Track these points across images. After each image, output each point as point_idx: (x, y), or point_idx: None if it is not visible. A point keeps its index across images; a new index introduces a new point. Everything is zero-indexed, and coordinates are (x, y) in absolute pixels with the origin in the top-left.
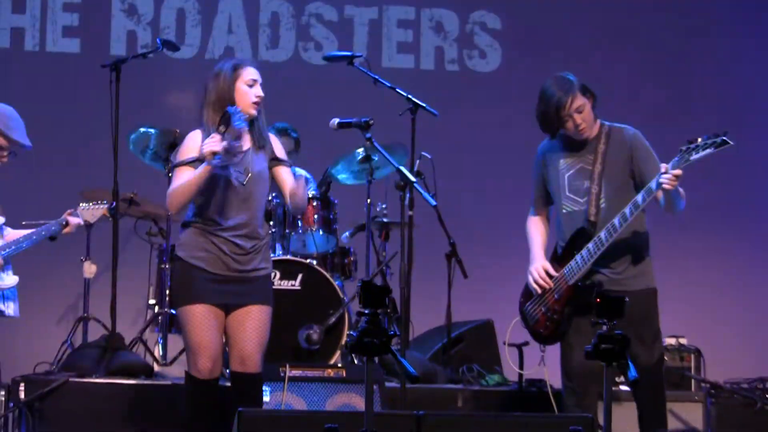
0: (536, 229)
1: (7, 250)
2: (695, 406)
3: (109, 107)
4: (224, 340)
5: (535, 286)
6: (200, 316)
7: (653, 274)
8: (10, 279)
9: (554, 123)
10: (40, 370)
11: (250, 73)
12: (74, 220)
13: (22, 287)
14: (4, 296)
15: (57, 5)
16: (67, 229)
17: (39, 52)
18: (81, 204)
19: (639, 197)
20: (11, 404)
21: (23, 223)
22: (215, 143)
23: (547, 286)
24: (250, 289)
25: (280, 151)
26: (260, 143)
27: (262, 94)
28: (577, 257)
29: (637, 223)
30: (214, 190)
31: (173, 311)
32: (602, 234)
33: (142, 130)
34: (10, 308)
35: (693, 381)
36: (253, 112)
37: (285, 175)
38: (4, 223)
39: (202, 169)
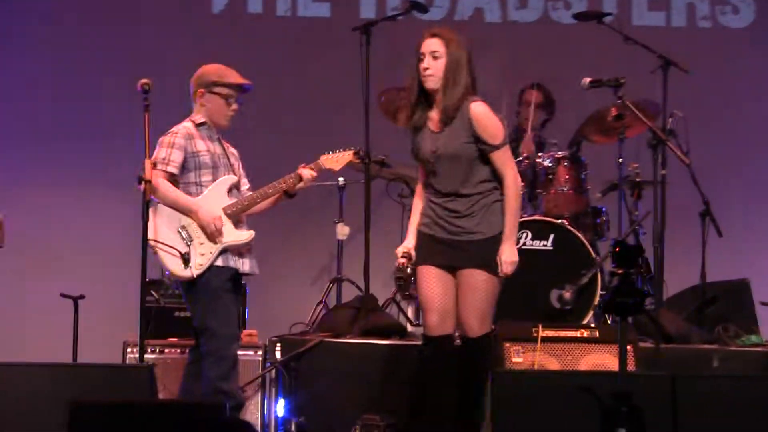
0: None
1: (237, 207)
2: None
3: (359, 70)
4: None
5: None
6: (424, 275)
7: None
8: (244, 235)
9: None
10: (296, 331)
11: (421, 45)
12: (307, 174)
13: (277, 250)
14: (240, 253)
15: None
16: (300, 184)
17: (290, 17)
18: (325, 153)
19: None
20: (268, 364)
21: None
22: None
23: None
24: (465, 253)
25: (484, 131)
26: (445, 118)
27: (426, 65)
28: None
29: None
30: (425, 164)
31: None
32: None
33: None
34: (246, 265)
35: None
36: (430, 84)
37: (497, 162)
38: (248, 189)
39: None
